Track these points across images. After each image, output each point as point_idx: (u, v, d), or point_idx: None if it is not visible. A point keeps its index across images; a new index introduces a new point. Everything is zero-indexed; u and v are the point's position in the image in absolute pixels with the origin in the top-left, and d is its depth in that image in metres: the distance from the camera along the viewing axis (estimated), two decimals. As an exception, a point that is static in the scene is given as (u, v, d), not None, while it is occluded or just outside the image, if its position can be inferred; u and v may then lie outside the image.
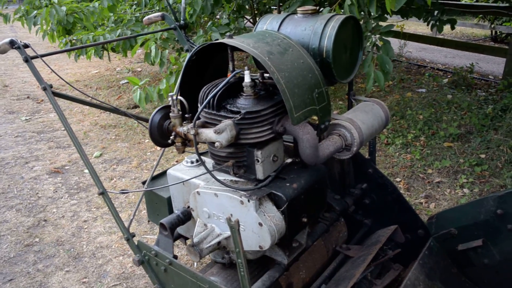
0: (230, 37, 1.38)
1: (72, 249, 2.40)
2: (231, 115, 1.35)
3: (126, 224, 1.74)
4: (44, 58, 1.79)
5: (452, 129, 3.64)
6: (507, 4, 4.82)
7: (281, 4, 4.28)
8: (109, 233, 2.54)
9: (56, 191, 3.04)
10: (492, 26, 8.63)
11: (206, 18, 4.95)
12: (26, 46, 1.83)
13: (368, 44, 3.03)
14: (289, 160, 1.56)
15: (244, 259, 1.26)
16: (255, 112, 1.34)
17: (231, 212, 1.42)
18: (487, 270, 1.83)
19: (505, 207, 1.68)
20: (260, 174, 1.44)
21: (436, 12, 4.62)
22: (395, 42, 7.05)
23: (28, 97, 5.53)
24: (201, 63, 1.56)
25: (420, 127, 3.75)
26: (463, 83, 4.92)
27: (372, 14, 3.14)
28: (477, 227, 1.79)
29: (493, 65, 6.25)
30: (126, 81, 6.10)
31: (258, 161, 1.41)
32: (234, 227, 1.20)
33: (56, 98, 1.78)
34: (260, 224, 1.36)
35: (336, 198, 1.91)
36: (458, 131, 3.60)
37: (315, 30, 1.51)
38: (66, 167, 3.43)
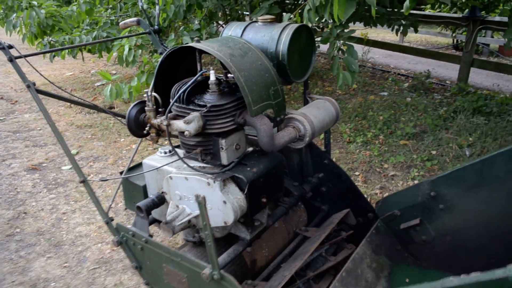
0: (198, 41, 1.60)
1: (52, 238, 2.55)
2: (198, 108, 1.57)
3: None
4: (22, 59, 1.94)
5: (408, 128, 3.96)
6: (461, 15, 5.23)
7: (251, 11, 4.53)
8: (88, 223, 2.70)
9: (35, 186, 3.17)
10: (454, 35, 9.16)
11: (180, 23, 5.14)
12: (11, 47, 1.98)
13: (334, 49, 3.30)
14: (250, 149, 1.79)
15: (210, 231, 1.47)
16: (219, 105, 1.57)
17: (199, 193, 1.63)
18: (425, 245, 2.10)
19: (437, 190, 1.96)
20: (224, 160, 1.66)
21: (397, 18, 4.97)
22: (359, 49, 7.44)
23: (1, 98, 5.57)
24: (173, 63, 1.77)
25: (379, 126, 4.06)
26: (421, 87, 5.29)
27: (335, 22, 3.44)
28: (415, 208, 2.06)
29: (452, 71, 6.69)
30: (101, 83, 6.22)
31: (222, 148, 1.64)
32: (201, 202, 1.42)
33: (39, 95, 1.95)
34: (224, 202, 1.58)
35: (295, 184, 2.15)
36: (414, 131, 3.93)
37: (272, 36, 1.75)
38: (44, 165, 3.55)
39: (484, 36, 8.02)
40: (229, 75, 1.69)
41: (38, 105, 1.93)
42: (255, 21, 1.88)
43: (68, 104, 5.28)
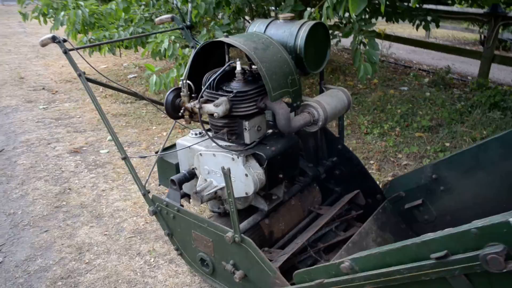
0: (226, 36, 1.86)
1: (94, 211, 2.88)
2: (226, 94, 1.82)
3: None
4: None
5: (424, 121, 4.12)
6: (483, 11, 5.29)
7: (277, 7, 4.76)
8: (124, 200, 3.02)
9: (77, 167, 3.52)
10: (481, 31, 9.10)
11: (208, 19, 5.41)
12: (65, 40, 2.28)
13: (356, 42, 3.49)
14: (270, 131, 2.04)
15: (233, 199, 1.73)
16: (244, 92, 1.82)
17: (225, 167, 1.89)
18: (427, 224, 2.30)
19: (438, 173, 2.15)
20: (247, 140, 1.92)
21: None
22: (381, 44, 7.54)
23: (43, 88, 6.00)
24: (204, 55, 2.03)
25: (397, 119, 4.23)
26: (441, 83, 5.39)
27: (356, 17, 3.64)
28: (419, 190, 2.25)
29: (475, 68, 6.72)
30: (133, 75, 6.59)
31: (246, 129, 1.90)
32: (227, 173, 1.68)
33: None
34: (246, 175, 1.84)
35: (310, 166, 2.39)
36: (430, 124, 4.08)
37: (292, 32, 1.98)
38: (84, 148, 3.91)
39: (512, 32, 7.98)
40: (253, 66, 1.93)
41: (87, 91, 2.23)
42: (277, 19, 2.12)
43: (104, 94, 5.67)
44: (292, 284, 1.74)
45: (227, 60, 1.92)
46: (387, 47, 7.32)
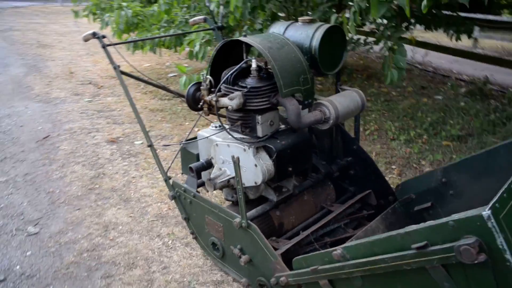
0: (245, 36, 2.00)
1: (122, 195, 3.11)
2: (241, 89, 1.96)
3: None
4: (111, 48, 2.45)
5: (454, 130, 4.06)
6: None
7: (309, 12, 4.87)
8: (151, 187, 3.23)
9: (112, 155, 3.78)
10: (530, 41, 8.72)
11: (247, 22, 5.59)
12: (104, 37, 2.51)
13: (385, 48, 3.53)
14: (282, 127, 2.16)
15: (241, 186, 1.87)
16: (257, 87, 1.95)
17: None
18: (437, 228, 2.32)
19: (448, 177, 2.18)
20: (260, 133, 2.04)
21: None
22: (418, 52, 7.41)
23: (90, 83, 6.42)
24: (226, 53, 2.19)
25: (425, 127, 4.20)
26: (478, 93, 5.26)
27: (388, 23, 3.68)
28: (429, 193, 2.28)
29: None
30: (173, 74, 6.90)
31: (258, 123, 2.02)
32: (236, 161, 1.82)
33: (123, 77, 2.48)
34: (256, 165, 1.97)
35: (323, 163, 2.48)
36: (459, 133, 4.02)
37: (308, 34, 2.09)
38: (120, 139, 4.18)
39: None
40: (268, 64, 2.06)
41: (121, 83, 2.45)
42: (296, 21, 2.24)
43: (145, 90, 5.99)
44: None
45: (244, 58, 2.06)
46: (423, 54, 7.20)
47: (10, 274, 2.30)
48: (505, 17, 9.24)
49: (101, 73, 7.08)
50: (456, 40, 5.26)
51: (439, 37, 9.90)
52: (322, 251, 1.69)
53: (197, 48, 4.26)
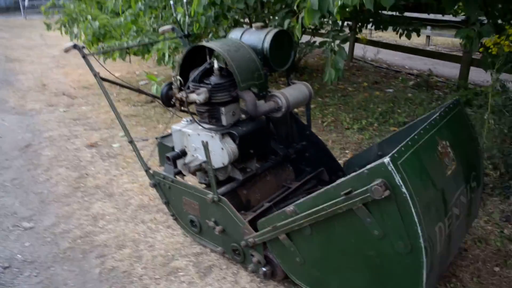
0: (207, 42, 2.40)
1: (106, 191, 3.43)
2: (206, 86, 2.36)
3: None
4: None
5: (401, 118, 4.59)
6: (461, 19, 5.75)
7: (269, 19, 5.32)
8: (132, 182, 3.56)
9: (93, 157, 4.08)
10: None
11: (214, 29, 5.98)
12: (83, 47, 2.84)
13: (327, 49, 3.98)
14: (243, 116, 2.56)
15: (211, 165, 2.26)
16: (220, 84, 2.35)
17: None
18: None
19: (382, 150, 2.64)
20: (224, 122, 2.44)
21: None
22: (373, 50, 8.02)
23: (63, 94, 6.64)
24: (192, 56, 2.57)
25: (376, 116, 4.71)
26: (424, 85, 5.85)
27: (331, 27, 4.16)
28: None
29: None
30: (144, 82, 7.20)
31: (222, 114, 2.42)
32: (205, 145, 2.21)
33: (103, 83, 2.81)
34: (222, 149, 2.36)
35: (281, 147, 2.89)
36: (405, 120, 4.55)
37: (260, 37, 2.51)
38: (99, 143, 4.48)
39: None
40: (227, 64, 2.46)
41: (101, 88, 2.76)
42: (251, 27, 2.66)
43: (118, 98, 6.28)
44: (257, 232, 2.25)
45: (208, 60, 2.45)
46: (375, 52, 7.80)
47: (13, 262, 2.60)
48: (445, 16, 9.99)
49: (73, 84, 7.30)
50: (408, 38, 5.79)
51: (396, 36, 10.62)
52: (279, 211, 2.09)
53: (166, 58, 4.64)
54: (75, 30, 5.49)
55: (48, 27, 6.22)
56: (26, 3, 19.01)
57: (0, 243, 2.79)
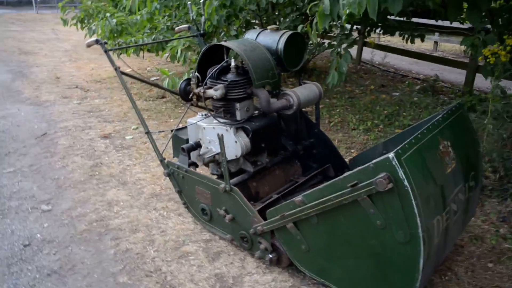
0: (225, 41, 2.55)
1: (120, 179, 3.58)
2: (223, 82, 2.50)
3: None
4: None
5: (406, 120, 4.72)
6: (468, 26, 5.86)
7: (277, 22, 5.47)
8: (145, 172, 3.71)
9: (107, 148, 4.25)
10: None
11: (225, 29, 6.14)
12: (106, 43, 2.99)
13: (334, 53, 4.10)
14: (256, 112, 2.71)
15: (225, 157, 2.40)
16: (236, 81, 2.50)
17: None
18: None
19: (387, 149, 2.77)
20: (238, 117, 2.58)
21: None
22: (380, 54, 8.14)
23: (76, 87, 6.82)
24: (209, 55, 2.72)
25: (382, 118, 4.84)
26: (430, 89, 5.97)
27: (340, 31, 4.29)
28: (374, 164, 2.87)
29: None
30: (155, 78, 7.36)
31: (237, 109, 2.56)
32: (220, 138, 2.36)
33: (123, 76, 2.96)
34: (236, 142, 2.51)
35: (290, 143, 3.04)
36: (410, 122, 4.67)
37: (274, 39, 2.65)
38: (112, 134, 4.64)
39: None
40: (243, 63, 2.61)
41: (121, 82, 2.91)
42: (266, 29, 2.80)
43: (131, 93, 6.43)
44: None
45: (225, 58, 2.60)
46: (383, 56, 7.93)
47: (33, 240, 2.76)
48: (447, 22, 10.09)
49: (85, 78, 7.48)
50: (412, 43, 5.92)
51: (404, 41, 10.74)
52: (288, 201, 2.24)
53: (179, 53, 4.79)
54: (93, 26, 5.66)
55: (65, 22, 6.40)
56: (39, -4, 19.26)
57: (20, 223, 2.95)
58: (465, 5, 2.88)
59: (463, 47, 11.46)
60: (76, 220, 2.98)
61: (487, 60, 2.96)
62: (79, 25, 6.31)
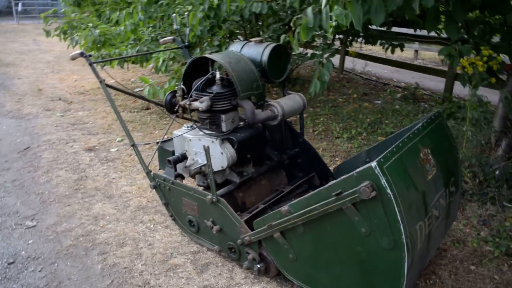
0: (210, 53, 2.58)
1: (106, 192, 3.56)
2: (208, 94, 2.53)
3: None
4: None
5: (388, 128, 4.81)
6: (446, 36, 6.03)
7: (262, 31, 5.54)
8: (131, 185, 3.70)
9: (91, 161, 4.22)
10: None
11: (209, 39, 6.19)
12: (90, 55, 2.99)
13: (316, 62, 4.17)
14: (241, 123, 2.74)
15: (211, 168, 2.42)
16: (221, 93, 2.53)
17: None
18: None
19: (370, 157, 2.83)
20: (224, 128, 2.61)
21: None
22: (361, 63, 8.30)
23: (59, 99, 6.76)
24: (194, 67, 2.75)
25: (365, 126, 4.92)
26: (410, 97, 6.11)
27: (322, 41, 4.37)
28: (357, 172, 2.93)
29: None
30: (139, 89, 7.35)
31: (223, 120, 2.59)
32: (206, 149, 2.38)
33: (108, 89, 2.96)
34: (222, 153, 2.53)
35: (275, 153, 3.07)
36: (392, 130, 4.77)
37: (258, 51, 2.70)
38: (97, 147, 4.61)
39: None
40: (228, 75, 2.64)
41: (106, 95, 2.91)
42: (250, 41, 2.85)
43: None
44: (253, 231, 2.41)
45: (210, 70, 2.63)
46: (363, 65, 8.08)
47: (18, 258, 2.72)
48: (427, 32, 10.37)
49: (68, 89, 7.41)
50: (392, 53, 6.06)
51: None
52: (274, 211, 2.26)
53: (161, 62, 4.82)
54: (76, 37, 5.63)
55: (48, 33, 6.35)
56: (19, 7, 19.03)
57: (4, 240, 2.91)
58: (443, 17, 2.98)
59: (441, 57, 11.83)
60: (62, 236, 2.95)
61: (465, 70, 3.06)
62: (62, 36, 6.27)
